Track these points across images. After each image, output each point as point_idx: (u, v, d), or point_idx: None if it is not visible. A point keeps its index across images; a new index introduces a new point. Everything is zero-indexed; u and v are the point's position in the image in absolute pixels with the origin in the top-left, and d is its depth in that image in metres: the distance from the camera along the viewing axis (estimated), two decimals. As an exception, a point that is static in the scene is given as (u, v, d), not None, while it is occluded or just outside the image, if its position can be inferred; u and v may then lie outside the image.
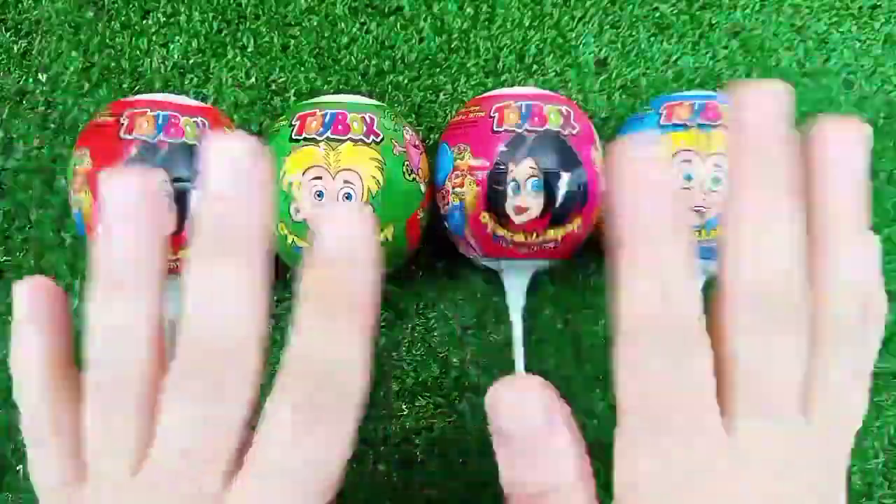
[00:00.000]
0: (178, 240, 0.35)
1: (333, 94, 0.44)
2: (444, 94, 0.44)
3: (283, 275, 0.42)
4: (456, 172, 0.35)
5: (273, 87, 0.44)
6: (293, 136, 0.35)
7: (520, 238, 0.34)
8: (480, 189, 0.34)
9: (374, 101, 0.37)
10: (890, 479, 0.39)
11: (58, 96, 0.44)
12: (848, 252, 0.20)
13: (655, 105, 0.38)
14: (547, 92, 0.37)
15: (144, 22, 0.45)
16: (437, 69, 0.45)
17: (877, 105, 0.45)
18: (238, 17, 0.45)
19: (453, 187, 0.35)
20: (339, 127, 0.35)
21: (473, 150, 0.34)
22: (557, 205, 0.34)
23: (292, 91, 0.44)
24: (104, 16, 0.45)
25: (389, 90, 0.44)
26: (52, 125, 0.43)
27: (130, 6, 0.45)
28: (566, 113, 0.35)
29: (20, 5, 0.45)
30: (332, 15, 0.45)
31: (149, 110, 0.35)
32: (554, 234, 0.35)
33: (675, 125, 0.36)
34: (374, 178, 0.34)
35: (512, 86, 0.45)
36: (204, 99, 0.44)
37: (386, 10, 0.46)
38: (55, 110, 0.43)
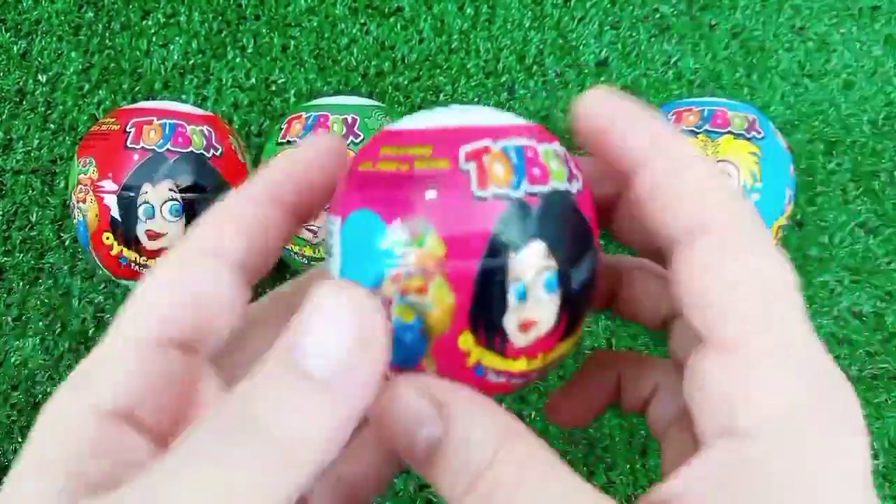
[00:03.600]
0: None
1: (333, 94, 0.44)
2: (444, 95, 0.44)
3: (283, 275, 0.42)
4: (406, 269, 0.17)
5: (273, 87, 0.44)
6: (279, 140, 0.36)
7: (519, 366, 0.19)
8: (460, 297, 0.17)
9: (365, 102, 0.37)
10: (890, 479, 0.39)
11: (58, 97, 0.44)
12: None
13: (665, 110, 0.38)
14: (518, 123, 0.19)
15: (144, 22, 0.45)
16: (438, 70, 0.45)
17: (877, 105, 0.45)
18: (238, 18, 0.45)
19: (402, 293, 0.18)
20: (319, 130, 0.35)
21: (439, 231, 0.17)
22: (575, 305, 0.19)
23: (292, 92, 0.44)
24: (104, 16, 0.45)
25: (389, 90, 0.44)
26: (52, 125, 0.43)
27: (130, 6, 0.45)
28: (563, 155, 0.19)
29: (20, 5, 0.45)
30: (332, 15, 0.45)
31: (155, 119, 0.35)
32: (565, 347, 0.19)
33: (684, 131, 0.36)
34: None
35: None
36: (204, 100, 0.44)
37: (386, 10, 0.46)
38: (55, 110, 0.43)
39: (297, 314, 0.14)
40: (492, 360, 0.18)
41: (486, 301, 0.17)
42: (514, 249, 0.17)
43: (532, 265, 0.18)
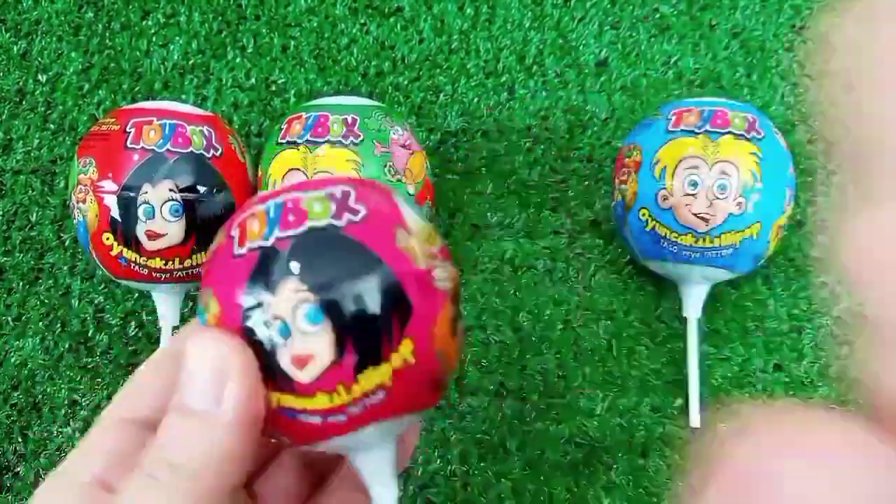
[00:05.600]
0: (186, 249, 0.35)
1: (333, 94, 0.44)
2: (444, 95, 0.44)
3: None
4: None
5: (273, 87, 0.44)
6: (279, 140, 0.36)
7: (321, 403, 0.19)
8: None
9: (365, 102, 0.37)
10: (890, 480, 0.39)
11: (58, 97, 0.44)
12: None
13: (665, 110, 0.38)
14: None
15: (144, 23, 0.45)
16: (437, 70, 0.45)
17: (877, 106, 0.45)
18: (238, 18, 0.45)
19: None
20: (319, 129, 0.35)
21: (216, 295, 0.19)
22: (361, 331, 0.18)
23: (292, 92, 0.44)
24: (104, 16, 0.45)
25: (389, 91, 0.44)
26: (52, 125, 0.43)
27: (130, 7, 0.45)
28: (341, 196, 0.19)
29: (20, 5, 0.45)
30: (332, 15, 0.45)
31: (154, 119, 0.35)
32: (381, 376, 0.18)
33: (684, 131, 0.36)
34: None
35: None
36: (204, 100, 0.44)
37: (386, 10, 0.46)
38: (55, 110, 0.43)
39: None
40: (289, 400, 0.19)
41: (255, 345, 0.18)
42: (269, 292, 0.18)
43: (286, 302, 0.18)
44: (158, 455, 0.17)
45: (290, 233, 0.18)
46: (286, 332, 0.18)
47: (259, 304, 0.18)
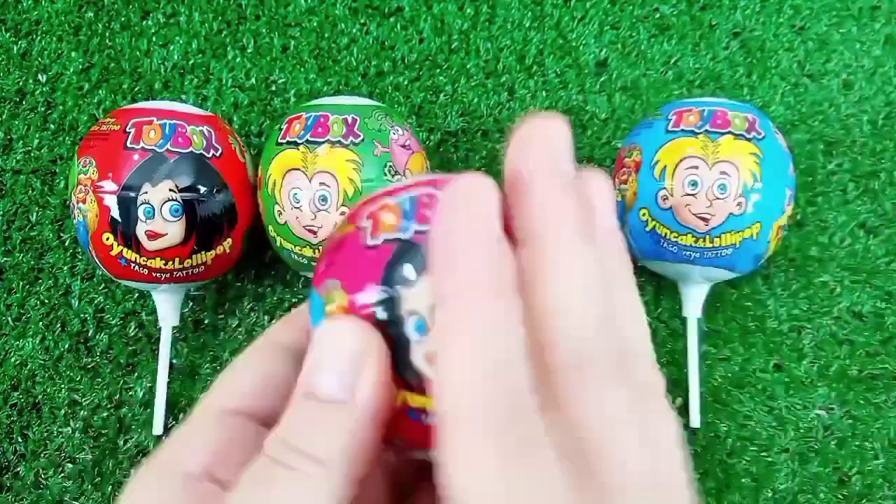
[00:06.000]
0: (185, 249, 0.35)
1: (333, 95, 0.44)
2: (444, 95, 0.44)
3: (282, 276, 0.42)
4: None
5: (273, 87, 0.44)
6: (279, 140, 0.36)
7: None
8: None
9: (365, 102, 0.37)
10: (890, 479, 0.39)
11: (58, 96, 0.44)
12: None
13: (665, 110, 0.38)
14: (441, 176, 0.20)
15: (144, 22, 0.45)
16: (438, 70, 0.45)
17: (877, 105, 0.45)
18: (238, 18, 0.45)
19: None
20: (319, 129, 0.35)
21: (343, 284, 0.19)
22: None
23: (292, 92, 0.44)
24: (104, 16, 0.45)
25: (389, 91, 0.44)
26: (52, 125, 0.43)
27: (130, 6, 0.45)
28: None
29: (20, 5, 0.45)
30: (332, 15, 0.45)
31: (155, 119, 0.35)
32: None
33: (684, 131, 0.36)
34: (350, 179, 0.34)
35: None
36: (204, 100, 0.44)
37: (386, 10, 0.46)
38: (55, 110, 0.43)
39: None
40: (417, 400, 0.18)
41: (388, 340, 0.18)
42: (406, 285, 0.18)
43: (425, 297, 0.18)
44: (289, 442, 0.16)
45: (428, 227, 0.18)
46: (422, 328, 0.18)
47: (393, 298, 0.18)
